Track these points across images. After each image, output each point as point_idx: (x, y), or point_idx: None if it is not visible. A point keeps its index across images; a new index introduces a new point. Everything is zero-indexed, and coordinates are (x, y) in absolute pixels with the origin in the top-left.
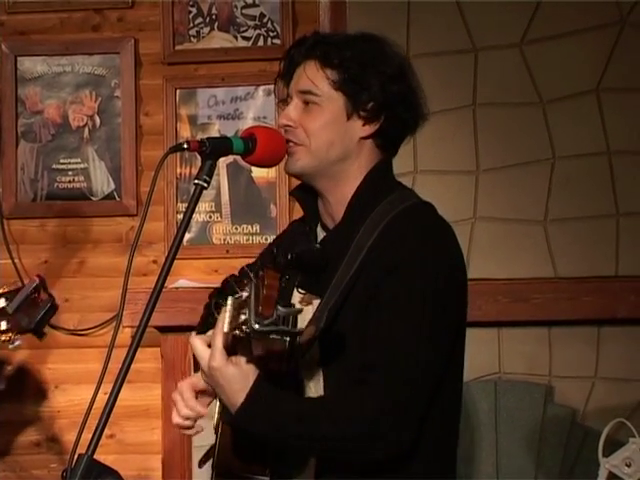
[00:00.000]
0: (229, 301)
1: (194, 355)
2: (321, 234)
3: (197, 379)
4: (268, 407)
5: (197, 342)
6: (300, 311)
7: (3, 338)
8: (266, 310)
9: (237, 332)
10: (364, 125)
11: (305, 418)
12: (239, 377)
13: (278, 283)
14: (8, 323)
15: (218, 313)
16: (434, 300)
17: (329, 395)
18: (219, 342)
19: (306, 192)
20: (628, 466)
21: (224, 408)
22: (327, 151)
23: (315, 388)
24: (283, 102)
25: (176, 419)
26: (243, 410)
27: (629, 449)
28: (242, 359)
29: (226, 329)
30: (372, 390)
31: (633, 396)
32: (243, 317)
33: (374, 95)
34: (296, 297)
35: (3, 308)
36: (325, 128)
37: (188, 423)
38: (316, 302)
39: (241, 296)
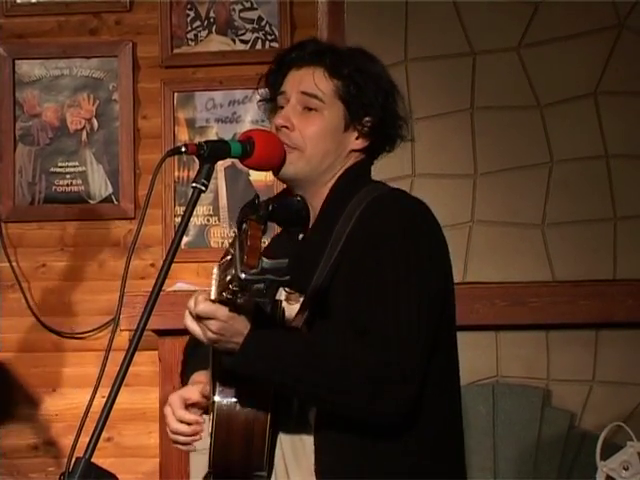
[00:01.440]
0: (215, 269)
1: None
2: None
3: (187, 391)
4: (275, 339)
5: (206, 302)
6: (285, 263)
7: None
8: (251, 260)
9: (225, 294)
10: (357, 138)
11: (316, 356)
12: (247, 320)
13: (261, 234)
14: None
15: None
16: (418, 264)
17: (342, 341)
18: (208, 304)
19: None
20: (626, 469)
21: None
22: (322, 159)
23: None
24: (267, 102)
25: (170, 435)
26: (249, 340)
27: (627, 452)
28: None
29: (213, 296)
30: (373, 347)
31: (631, 399)
32: (229, 277)
33: (374, 111)
34: (282, 295)
35: None
36: (323, 135)
37: (180, 438)
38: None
39: (226, 260)
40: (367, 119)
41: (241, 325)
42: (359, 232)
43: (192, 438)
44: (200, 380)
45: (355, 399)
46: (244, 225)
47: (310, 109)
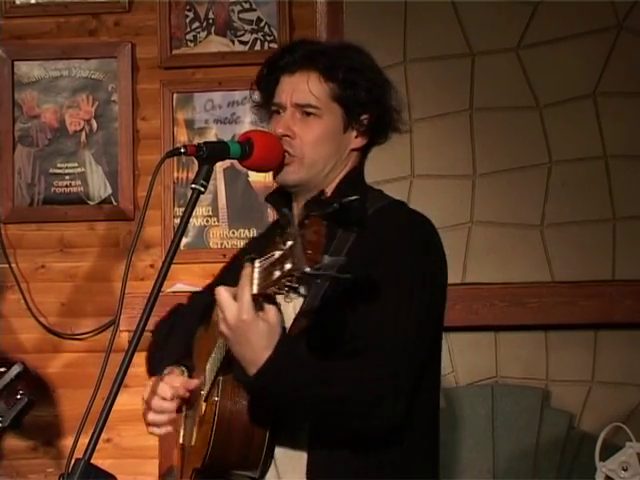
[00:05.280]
0: (257, 263)
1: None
2: None
3: (173, 381)
4: (292, 365)
5: (226, 294)
6: (343, 260)
7: None
8: (315, 255)
9: (273, 289)
10: (357, 137)
11: (322, 379)
12: (267, 333)
13: (325, 230)
14: None
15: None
16: (423, 282)
17: (341, 361)
18: (248, 296)
19: (281, 197)
20: (625, 470)
21: (229, 367)
22: (324, 164)
23: None
24: (260, 107)
25: (150, 416)
26: (270, 365)
27: (626, 453)
28: (270, 316)
29: (255, 290)
30: (372, 361)
31: (630, 400)
32: (277, 273)
33: (370, 108)
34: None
35: None
36: (323, 141)
37: (161, 418)
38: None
39: (272, 254)
40: (365, 117)
41: (256, 337)
42: (364, 242)
43: (166, 428)
44: (175, 373)
45: (354, 419)
46: (306, 221)
47: (309, 114)
